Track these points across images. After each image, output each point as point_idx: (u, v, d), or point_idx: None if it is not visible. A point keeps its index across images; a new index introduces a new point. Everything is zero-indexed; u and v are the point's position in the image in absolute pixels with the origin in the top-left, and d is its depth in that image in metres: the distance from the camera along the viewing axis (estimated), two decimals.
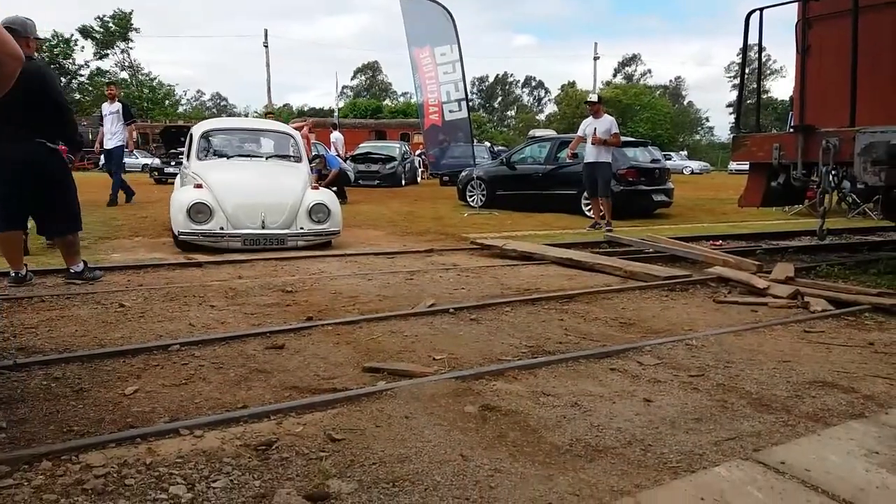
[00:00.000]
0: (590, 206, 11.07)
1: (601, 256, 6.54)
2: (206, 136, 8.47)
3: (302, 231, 7.23)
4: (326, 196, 7.69)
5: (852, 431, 2.43)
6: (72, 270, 5.17)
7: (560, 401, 2.76)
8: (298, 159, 8.55)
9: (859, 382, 3.08)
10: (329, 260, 6.56)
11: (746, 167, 6.98)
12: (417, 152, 26.37)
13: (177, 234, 6.95)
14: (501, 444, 2.35)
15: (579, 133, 10.53)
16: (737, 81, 74.08)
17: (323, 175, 13.98)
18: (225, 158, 8.25)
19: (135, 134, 12.35)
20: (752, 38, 6.60)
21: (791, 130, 6.81)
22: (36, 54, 5.18)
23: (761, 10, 6.45)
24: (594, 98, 10.47)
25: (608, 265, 5.99)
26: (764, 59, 8.23)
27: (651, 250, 7.11)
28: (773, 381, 3.08)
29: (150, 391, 2.84)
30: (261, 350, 3.45)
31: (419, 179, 24.73)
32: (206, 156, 8.18)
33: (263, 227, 7.00)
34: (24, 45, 4.83)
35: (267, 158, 8.52)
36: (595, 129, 9.98)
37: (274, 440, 2.33)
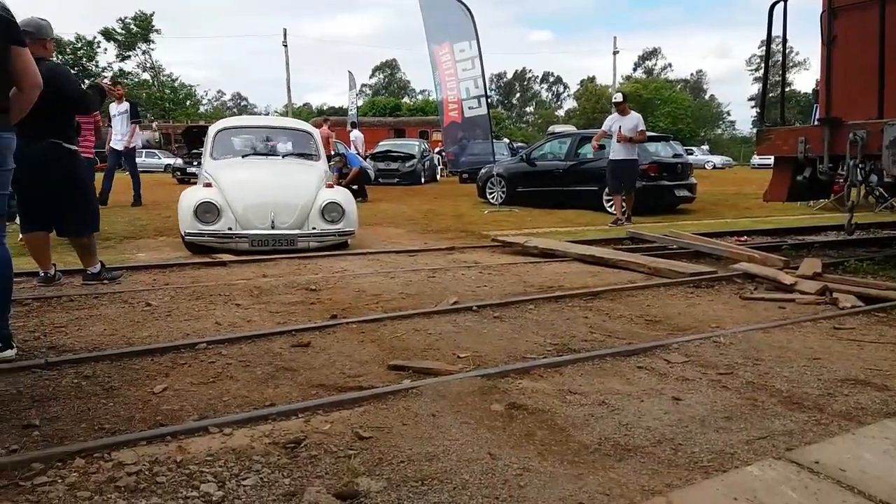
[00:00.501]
0: (612, 203, 11.02)
1: (624, 253, 6.49)
2: (221, 134, 8.32)
3: (314, 231, 6.96)
4: (341, 195, 7.45)
5: (887, 430, 2.38)
6: (89, 272, 5.20)
7: (587, 399, 2.75)
8: (316, 158, 8.32)
9: (893, 380, 3.02)
10: (351, 258, 6.58)
11: (770, 161, 6.89)
12: (436, 150, 26.38)
13: (183, 234, 6.80)
14: (529, 442, 2.34)
15: (604, 128, 10.52)
16: (758, 74, 73.26)
17: (344, 174, 14.04)
18: (240, 157, 8.09)
19: (140, 131, 12.20)
20: (775, 30, 6.53)
21: (817, 123, 6.72)
22: (56, 56, 5.23)
23: (785, 1, 6.37)
24: (619, 98, 10.43)
25: (632, 262, 5.94)
26: (787, 51, 8.13)
27: (675, 246, 7.05)
28: (804, 379, 3.03)
29: (179, 389, 2.87)
30: (287, 348, 3.46)
31: (438, 177, 24.73)
32: (220, 155, 7.99)
33: (273, 228, 6.79)
34: (40, 48, 4.87)
35: (283, 157, 8.33)
36: (620, 126, 9.97)
37: (302, 438, 2.34)
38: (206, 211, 6.70)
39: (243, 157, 8.14)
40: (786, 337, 3.73)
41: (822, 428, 2.50)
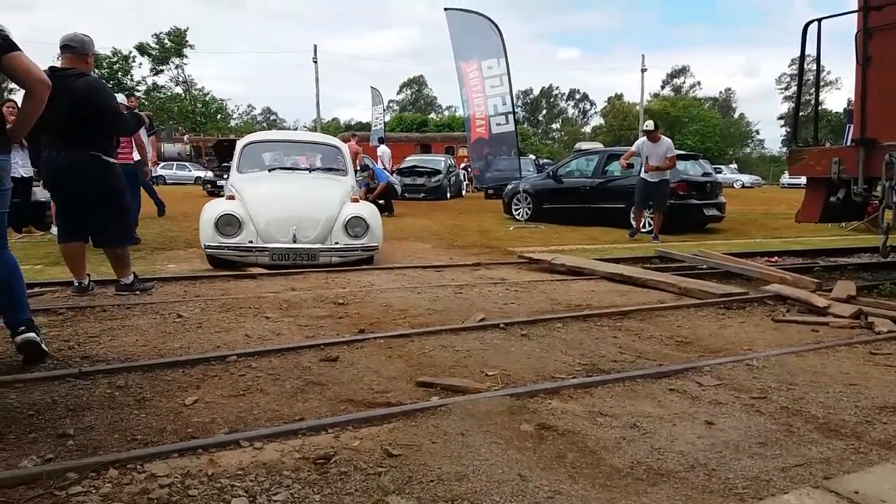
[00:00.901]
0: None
1: (653, 272, 6.42)
2: (249, 148, 8.27)
3: (336, 246, 6.83)
4: (365, 209, 7.30)
5: None
6: (122, 282, 5.26)
7: (618, 421, 2.71)
8: (343, 172, 8.25)
9: None
10: (378, 273, 6.60)
11: (800, 181, 6.80)
12: (462, 165, 26.46)
13: (203, 247, 6.73)
14: (560, 464, 2.31)
15: (634, 148, 10.57)
16: (788, 93, 72.52)
17: (371, 188, 14.13)
18: (266, 171, 8.03)
19: (155, 145, 12.25)
20: (809, 49, 6.47)
21: (851, 144, 6.62)
22: (95, 71, 5.36)
23: (819, 20, 6.30)
24: (650, 126, 10.47)
25: (661, 281, 5.87)
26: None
27: (704, 266, 6.97)
28: (841, 406, 2.97)
29: (210, 401, 2.89)
30: (315, 362, 3.48)
31: (464, 192, 24.80)
32: (247, 168, 7.93)
33: (295, 242, 6.68)
34: (82, 62, 5.03)
35: (310, 171, 8.28)
36: (648, 157, 10.15)
37: (332, 454, 2.34)
38: (228, 224, 6.62)
39: (270, 171, 8.06)
40: (820, 361, 3.66)
41: (860, 456, 2.44)
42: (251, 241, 6.63)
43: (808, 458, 2.41)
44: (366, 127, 49.27)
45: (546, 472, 2.25)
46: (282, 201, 7.02)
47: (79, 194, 5.07)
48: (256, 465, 2.25)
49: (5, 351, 3.61)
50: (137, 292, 5.22)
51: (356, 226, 6.96)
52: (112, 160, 5.19)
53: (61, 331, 4.07)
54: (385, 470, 2.24)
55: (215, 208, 6.87)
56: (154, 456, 2.28)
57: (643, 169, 10.37)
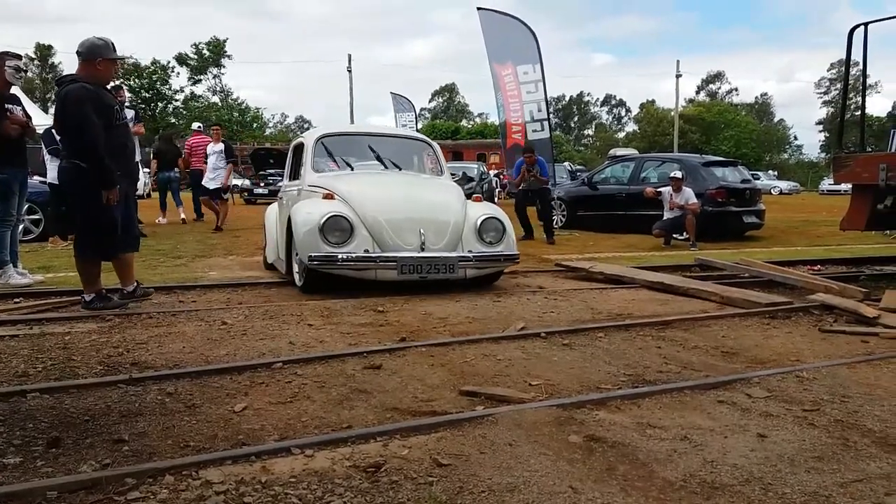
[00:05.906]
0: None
1: (695, 281, 6.33)
2: (322, 143, 6.77)
3: (472, 254, 5.69)
4: (496, 210, 6.18)
5: None
6: (84, 297, 4.99)
7: (668, 433, 2.67)
8: (440, 172, 6.98)
9: None
10: None
11: (840, 187, 6.67)
12: (493, 172, 26.44)
13: (306, 259, 5.42)
14: (611, 477, 2.29)
15: (661, 191, 10.80)
16: (828, 98, 71.10)
17: None
18: (349, 169, 6.73)
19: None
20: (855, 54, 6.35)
21: None
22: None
23: (866, 24, 6.18)
24: (679, 175, 10.56)
25: (703, 290, 5.78)
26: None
27: (746, 275, 6.84)
28: None
29: (258, 408, 2.93)
30: (359, 370, 3.50)
31: (496, 199, 24.76)
32: (325, 167, 6.58)
33: (423, 250, 5.55)
34: (91, 68, 4.67)
35: (401, 170, 6.85)
36: (672, 195, 10.50)
37: (382, 462, 2.34)
38: (336, 228, 5.39)
39: (352, 169, 6.78)
40: (873, 373, 3.57)
41: None
42: (367, 250, 5.47)
43: (867, 474, 2.34)
44: None
45: (598, 484, 2.23)
46: (401, 201, 5.86)
47: (67, 201, 5.10)
48: (308, 473, 2.27)
49: (58, 357, 3.71)
50: (140, 301, 5.13)
51: (491, 229, 5.83)
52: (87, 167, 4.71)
53: (110, 337, 4.16)
54: (435, 479, 2.24)
55: (314, 209, 5.56)
56: (208, 462, 2.32)
57: (667, 207, 10.60)
